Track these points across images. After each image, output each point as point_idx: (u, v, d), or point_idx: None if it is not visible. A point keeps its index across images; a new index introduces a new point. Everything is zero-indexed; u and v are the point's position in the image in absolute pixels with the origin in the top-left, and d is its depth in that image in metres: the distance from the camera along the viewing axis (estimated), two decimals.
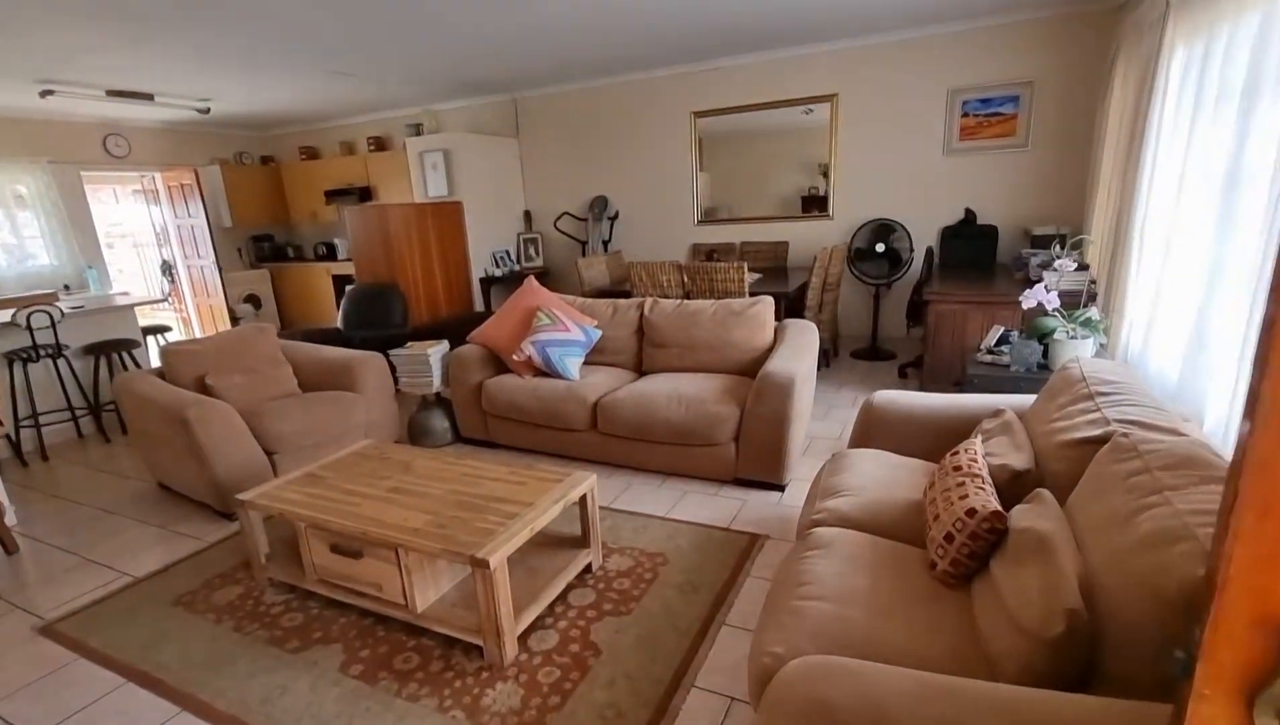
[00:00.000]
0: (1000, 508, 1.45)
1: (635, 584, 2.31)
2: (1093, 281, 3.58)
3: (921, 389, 4.09)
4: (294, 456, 3.17)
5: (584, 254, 6.35)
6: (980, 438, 1.82)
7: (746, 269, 4.16)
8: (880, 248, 5.06)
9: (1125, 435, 1.41)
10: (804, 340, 3.30)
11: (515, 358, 3.52)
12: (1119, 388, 1.76)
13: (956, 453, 1.76)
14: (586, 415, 3.29)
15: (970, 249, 4.95)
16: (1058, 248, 4.00)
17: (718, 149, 5.85)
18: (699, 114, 5.76)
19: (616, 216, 6.30)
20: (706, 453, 3.06)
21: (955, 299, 3.84)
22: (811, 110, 5.44)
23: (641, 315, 3.73)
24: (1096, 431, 1.57)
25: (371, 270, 5.49)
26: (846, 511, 1.87)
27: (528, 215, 6.72)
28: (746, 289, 4.17)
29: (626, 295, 4.67)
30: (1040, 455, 1.74)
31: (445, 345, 3.80)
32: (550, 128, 6.41)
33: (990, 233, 4.92)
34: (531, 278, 3.95)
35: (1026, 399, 2.22)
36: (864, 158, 5.30)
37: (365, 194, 7.12)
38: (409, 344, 3.82)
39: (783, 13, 4.36)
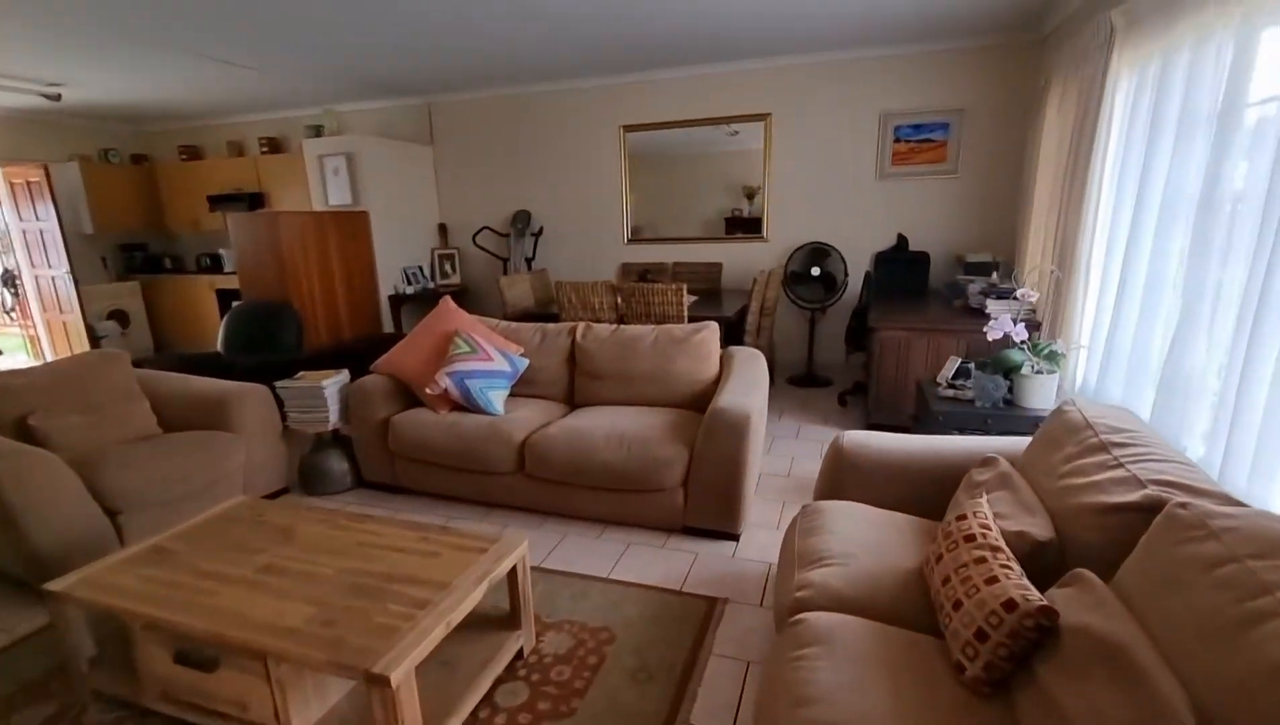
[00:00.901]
0: (1046, 601, 1.18)
1: (577, 672, 1.92)
2: (1032, 309, 3.53)
3: (869, 421, 3.93)
4: (147, 516, 2.57)
5: (506, 272, 5.91)
6: (985, 496, 1.57)
7: (685, 292, 3.88)
8: (815, 271, 4.94)
9: (1183, 505, 1.17)
10: (753, 372, 3.03)
11: (429, 391, 3.05)
12: (1134, 437, 1.56)
13: (964, 517, 1.50)
14: (513, 456, 2.87)
15: (903, 275, 4.90)
16: (1019, 278, 3.96)
17: (642, 168, 5.59)
18: (629, 128, 5.50)
19: (541, 232, 5.90)
20: (652, 499, 2.71)
21: (899, 327, 3.71)
22: (737, 131, 5.30)
23: (573, 342, 3.35)
24: (1133, 496, 1.34)
25: (260, 286, 4.82)
26: (838, 588, 1.56)
27: (443, 229, 6.20)
28: (685, 313, 3.89)
29: (554, 318, 4.28)
30: (1058, 519, 1.50)
31: (344, 375, 3.27)
32: (468, 136, 5.96)
33: (922, 259, 4.90)
34: (448, 298, 3.50)
35: (1010, 443, 2.02)
36: (798, 179, 5.19)
37: (256, 200, 6.36)
38: (301, 373, 3.27)
39: (714, 27, 4.16)
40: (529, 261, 5.87)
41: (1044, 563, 1.42)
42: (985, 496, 1.56)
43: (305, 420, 3.19)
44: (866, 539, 1.78)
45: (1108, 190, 2.97)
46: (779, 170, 5.22)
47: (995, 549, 1.37)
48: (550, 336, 3.42)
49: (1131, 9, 2.77)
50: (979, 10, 3.97)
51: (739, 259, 5.49)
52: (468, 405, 3.05)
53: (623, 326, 3.33)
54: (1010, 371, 2.53)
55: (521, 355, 3.35)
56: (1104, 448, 1.56)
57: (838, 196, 5.12)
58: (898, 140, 4.87)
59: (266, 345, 4.35)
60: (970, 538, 1.42)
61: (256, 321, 4.44)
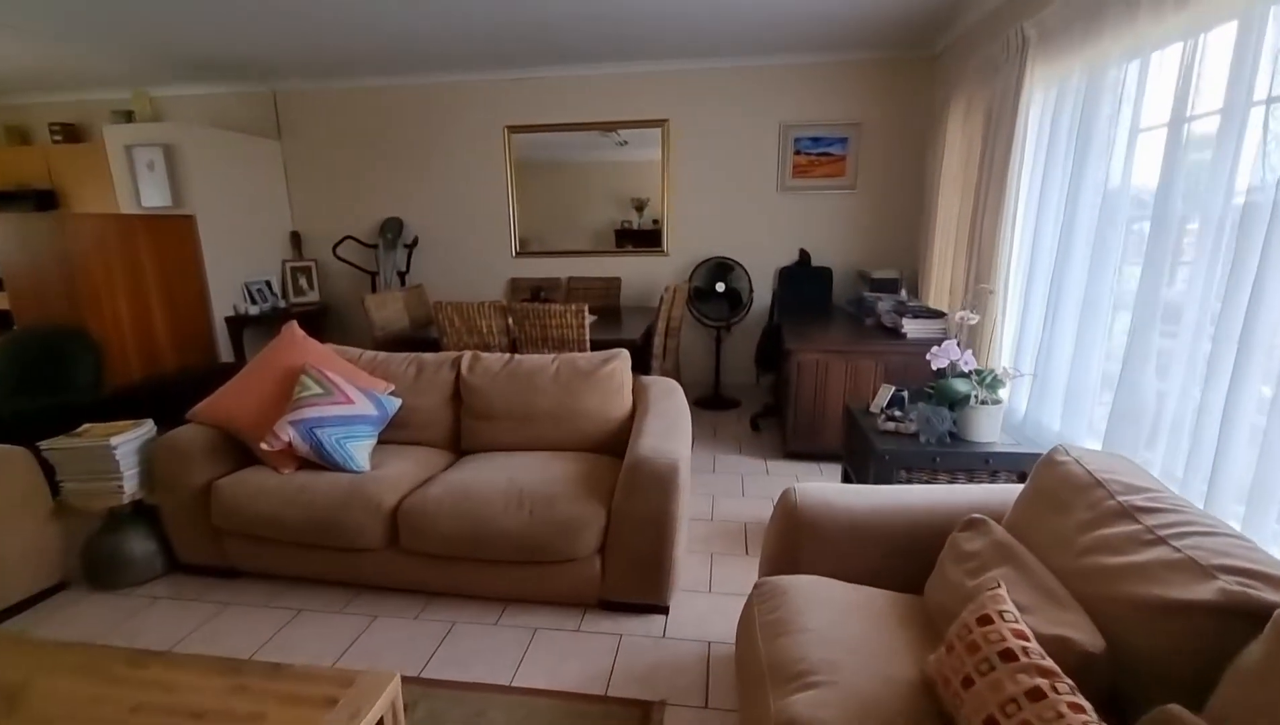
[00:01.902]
0: None
1: None
2: (943, 328, 3.42)
3: (787, 448, 3.67)
4: None
5: (375, 288, 5.15)
6: (1002, 587, 1.24)
7: (586, 312, 3.42)
8: (720, 287, 4.67)
9: None
10: (673, 407, 2.63)
11: (265, 446, 2.37)
12: (1158, 499, 1.30)
13: (988, 618, 1.16)
14: (382, 528, 2.27)
15: (807, 291, 4.75)
16: (903, 292, 3.85)
17: (527, 176, 5.09)
18: (515, 129, 4.97)
19: (415, 243, 5.21)
20: (562, 571, 2.22)
21: (817, 349, 3.48)
22: (626, 141, 4.95)
23: (458, 376, 2.79)
24: (1202, 591, 1.05)
25: (41, 308, 3.79)
26: (830, 722, 1.17)
27: (297, 238, 5.33)
28: (588, 337, 3.43)
29: (433, 344, 3.66)
30: (1095, 614, 1.20)
31: (147, 428, 2.51)
32: (326, 131, 5.15)
33: (825, 275, 4.77)
34: (292, 325, 2.81)
35: (987, 496, 1.74)
36: (698, 190, 4.92)
37: (47, 199, 5.15)
38: (84, 427, 2.46)
39: (611, 23, 3.78)
40: (402, 276, 5.16)
41: (1095, 680, 1.10)
42: (1001, 586, 1.24)
43: (89, 491, 2.39)
44: (848, 636, 1.41)
45: (1027, 207, 2.87)
46: (678, 179, 4.92)
47: (1048, 673, 1.03)
48: (429, 369, 2.84)
49: (1045, 20, 2.68)
50: (869, 24, 3.88)
51: (638, 274, 5.12)
52: (321, 461, 2.41)
53: (518, 356, 2.82)
54: (954, 403, 2.30)
55: (392, 394, 2.74)
56: (1128, 514, 1.29)
57: (739, 209, 4.90)
58: (798, 152, 4.72)
59: (49, 386, 3.38)
60: (1009, 654, 1.08)
61: (34, 355, 3.45)
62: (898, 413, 2.53)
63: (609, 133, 4.97)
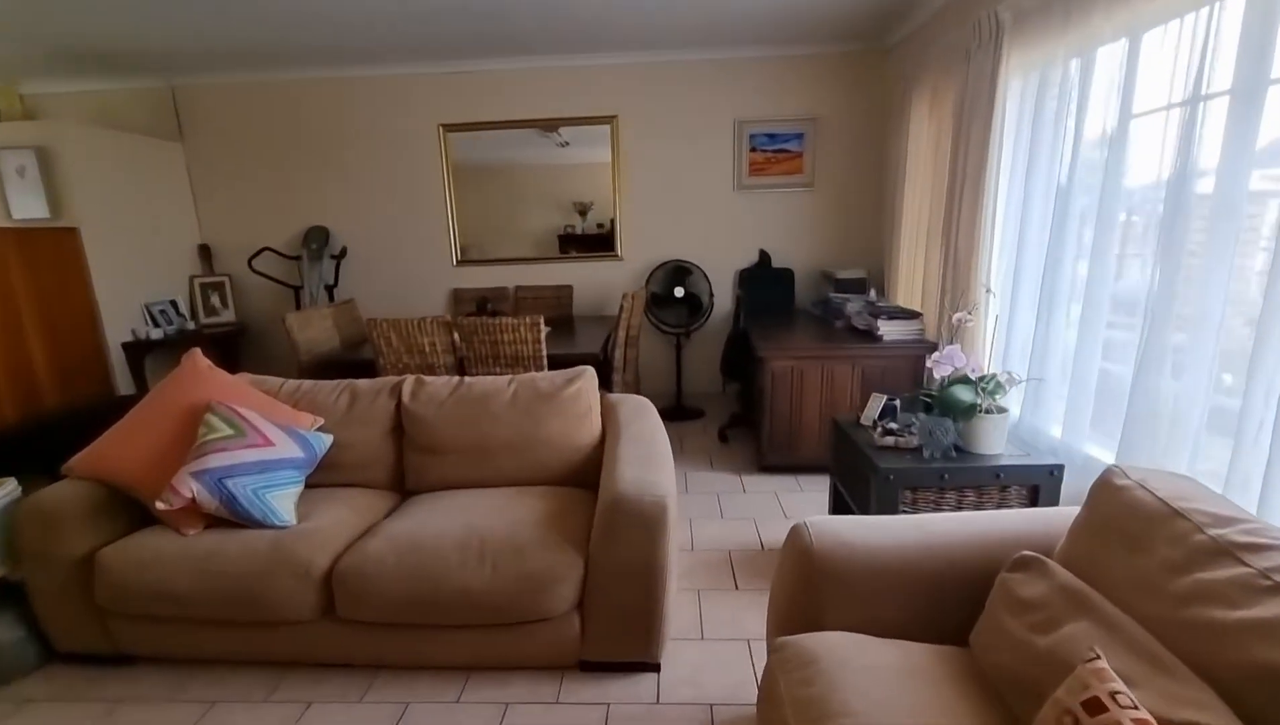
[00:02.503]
0: None
1: None
2: (919, 329, 3.27)
3: (762, 462, 3.44)
4: None
5: (299, 304, 4.66)
6: (1101, 658, 1.01)
7: (541, 321, 3.10)
8: (679, 292, 4.42)
9: None
10: (647, 428, 2.34)
11: (161, 505, 1.95)
12: (1258, 533, 1.10)
13: (1099, 706, 0.93)
14: (313, 595, 1.89)
15: (769, 293, 4.56)
16: (873, 292, 3.70)
17: (465, 180, 4.71)
18: (450, 127, 4.59)
19: (344, 254, 4.74)
20: (534, 633, 1.90)
21: (790, 355, 3.27)
22: (567, 142, 4.66)
23: (399, 404, 2.43)
24: None
25: None
26: None
27: (206, 251, 4.77)
28: (544, 353, 3.11)
29: (369, 368, 3.26)
30: (1214, 683, 0.98)
31: (10, 487, 2.04)
32: (236, 131, 4.63)
33: (787, 276, 4.60)
34: (195, 353, 2.38)
35: (1023, 524, 1.53)
36: (651, 190, 4.66)
37: None
38: None
39: (544, 9, 3.47)
40: (330, 290, 4.69)
41: None
42: (1102, 658, 1.00)
43: None
44: (895, 708, 1.15)
45: (1009, 199, 2.73)
46: (630, 179, 4.65)
47: None
48: (364, 398, 2.45)
49: (1020, 2, 2.55)
50: (820, 14, 3.71)
51: (592, 280, 4.82)
52: (234, 517, 2.00)
53: (468, 379, 2.48)
54: (957, 413, 2.11)
55: (321, 430, 2.35)
56: (1228, 553, 1.08)
57: (695, 210, 4.67)
58: (754, 149, 4.53)
59: None
60: None
61: None
62: (892, 425, 2.32)
63: (549, 132, 4.66)
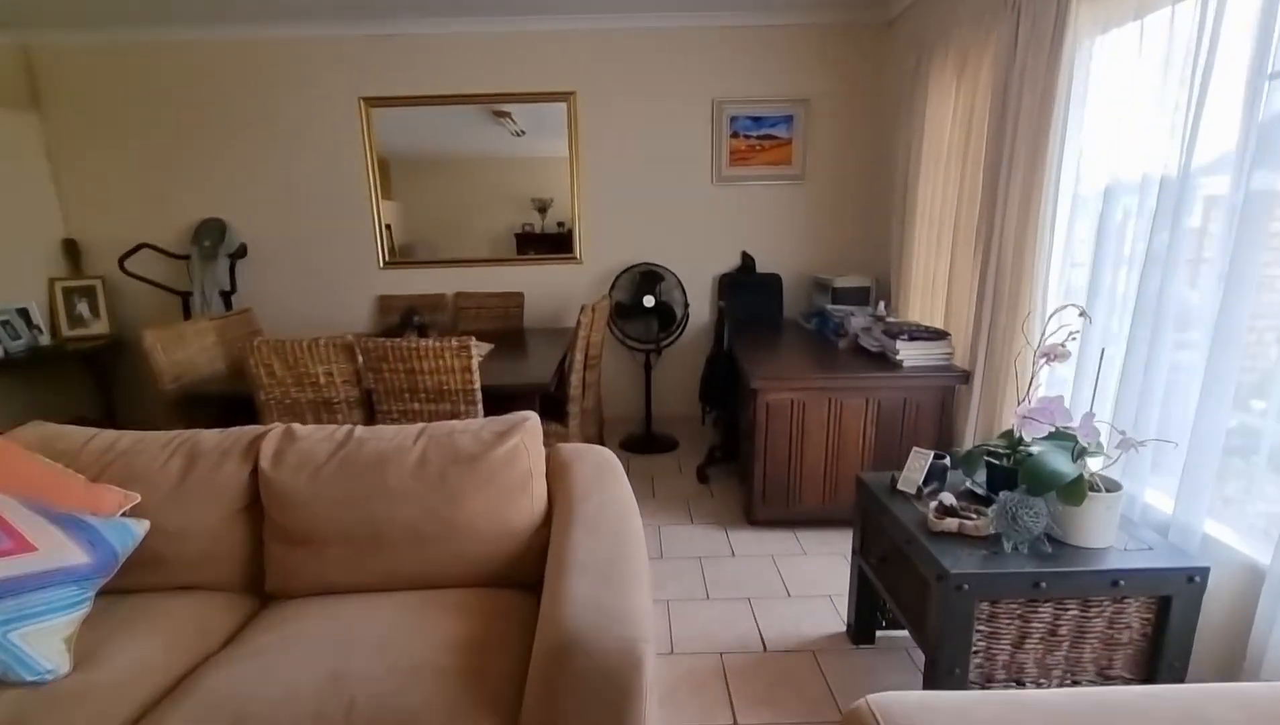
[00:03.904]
0: None
1: None
2: (947, 353, 2.67)
3: (754, 516, 2.79)
4: None
5: (188, 313, 3.83)
6: None
7: (475, 347, 2.38)
8: (649, 301, 3.75)
9: None
10: (612, 506, 1.65)
11: None
12: None
13: None
14: None
15: (753, 303, 3.93)
16: (882, 306, 3.08)
17: (408, 171, 3.97)
18: (372, 101, 3.83)
19: (243, 253, 3.93)
20: None
21: (789, 385, 2.63)
22: (523, 131, 3.96)
23: (255, 469, 1.69)
24: None
25: None
26: None
27: (72, 248, 3.90)
28: (476, 383, 2.40)
29: (250, 410, 2.49)
30: None
31: None
32: (110, 102, 3.78)
33: (773, 283, 3.97)
34: None
35: (1237, 705, 0.90)
36: (617, 181, 3.98)
37: None
38: None
39: None
40: (227, 297, 3.87)
41: None
42: None
43: None
44: None
45: (1080, 188, 2.13)
46: (591, 169, 3.96)
47: None
48: (205, 461, 1.71)
49: None
50: None
51: (546, 286, 4.11)
52: None
53: (358, 432, 1.75)
54: (1057, 490, 1.48)
55: (133, 512, 1.60)
56: None
57: (668, 205, 4.00)
58: (735, 135, 3.89)
59: None
60: None
61: None
62: (948, 498, 1.68)
63: (502, 119, 3.94)
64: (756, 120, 3.87)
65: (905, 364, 2.65)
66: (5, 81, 3.65)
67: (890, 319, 3.05)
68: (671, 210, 4.00)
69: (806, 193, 3.96)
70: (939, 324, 2.94)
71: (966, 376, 2.58)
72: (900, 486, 1.86)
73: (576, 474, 1.81)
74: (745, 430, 2.90)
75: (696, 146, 3.91)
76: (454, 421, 1.80)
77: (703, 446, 3.82)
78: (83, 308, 3.82)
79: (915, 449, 1.88)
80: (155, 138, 3.82)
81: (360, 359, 2.39)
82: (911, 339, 2.65)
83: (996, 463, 1.74)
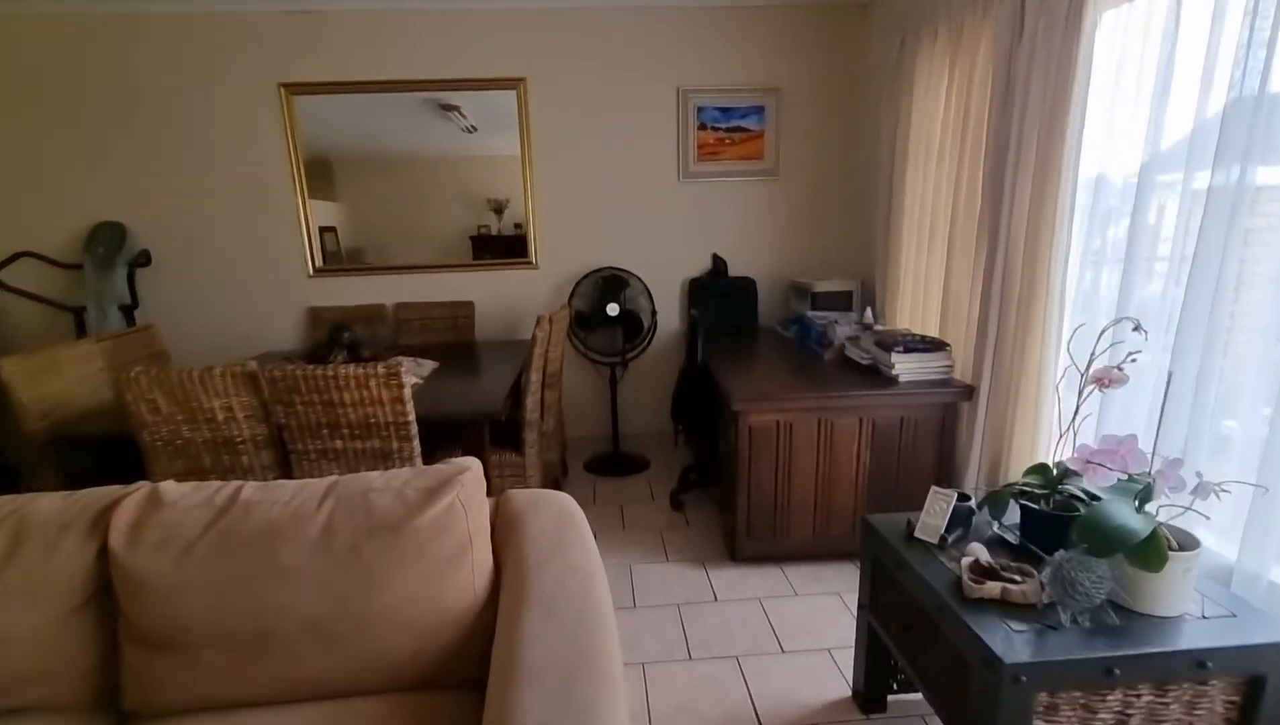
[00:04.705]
0: None
1: None
2: (947, 366, 2.40)
3: (740, 552, 2.48)
4: None
5: (83, 331, 3.32)
6: None
7: (406, 370, 2.00)
8: (613, 310, 3.40)
9: None
10: (573, 575, 1.31)
11: None
12: None
13: None
14: None
15: (726, 309, 3.63)
16: (869, 312, 2.81)
17: (356, 172, 3.54)
18: (293, 88, 3.39)
19: (146, 261, 3.44)
20: None
21: (773, 405, 2.32)
22: (475, 127, 3.58)
23: (104, 549, 1.29)
24: None
25: None
26: None
27: None
28: (411, 419, 2.01)
29: (138, 453, 2.06)
30: None
31: None
32: None
33: (746, 287, 3.68)
34: None
35: None
36: (575, 178, 3.62)
37: None
38: None
39: None
40: (128, 312, 3.37)
41: None
42: None
43: None
44: None
45: (1104, 177, 1.87)
46: (545, 164, 3.59)
47: None
48: (35, 541, 1.30)
49: None
50: None
51: (500, 294, 3.73)
52: None
53: (246, 492, 1.37)
54: (1124, 551, 1.19)
55: None
56: None
57: (631, 204, 3.67)
58: (703, 126, 3.58)
59: None
60: None
61: None
62: (982, 555, 1.39)
63: (450, 113, 3.55)
64: (725, 111, 3.57)
65: (901, 378, 2.38)
66: None
67: (878, 327, 2.77)
68: (635, 209, 3.67)
69: (780, 189, 3.67)
70: (933, 332, 2.68)
71: (970, 392, 2.31)
72: (919, 534, 1.56)
73: (530, 531, 1.46)
74: (725, 455, 2.58)
75: (661, 139, 3.59)
76: (370, 474, 1.42)
77: (676, 468, 3.50)
78: None
79: (935, 490, 1.58)
80: (38, 129, 3.30)
81: (266, 392, 1.98)
82: (907, 351, 2.38)
83: (1033, 507, 1.45)
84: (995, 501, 1.53)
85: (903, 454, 2.39)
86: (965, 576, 1.33)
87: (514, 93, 3.48)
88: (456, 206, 3.65)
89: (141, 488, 1.41)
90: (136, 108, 3.32)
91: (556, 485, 3.20)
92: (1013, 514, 1.56)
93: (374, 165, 3.54)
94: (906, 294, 2.87)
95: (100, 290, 3.29)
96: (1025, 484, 1.52)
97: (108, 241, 3.31)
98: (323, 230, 3.59)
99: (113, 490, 1.42)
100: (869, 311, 2.82)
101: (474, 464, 1.45)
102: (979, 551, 1.41)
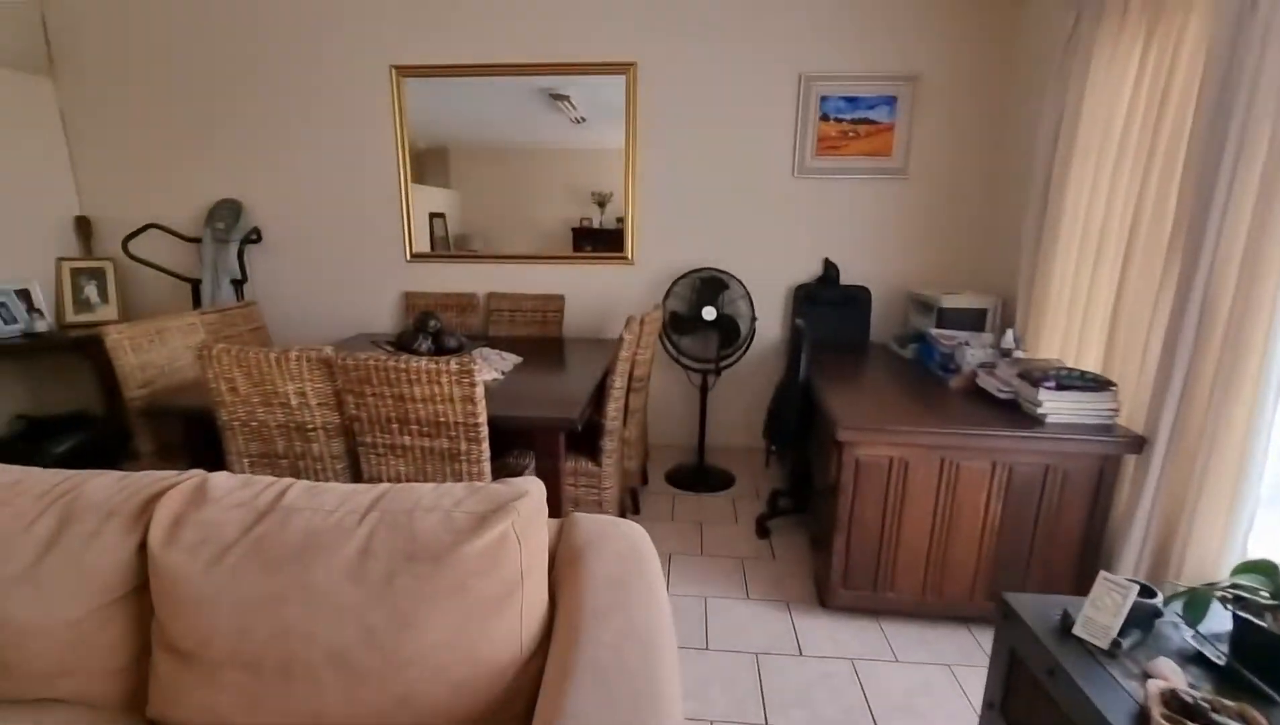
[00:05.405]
0: None
1: None
2: (1111, 409, 1.97)
3: (832, 598, 2.18)
4: None
5: (197, 302, 3.48)
6: None
7: (479, 367, 1.86)
8: (709, 314, 3.15)
9: None
10: (639, 628, 1.10)
11: None
12: None
13: None
14: None
15: (835, 321, 3.29)
16: (1009, 335, 2.40)
17: (471, 160, 3.51)
18: (405, 70, 3.37)
19: (256, 238, 3.56)
20: None
21: (886, 437, 1.99)
22: (584, 119, 3.43)
23: (143, 545, 1.20)
24: None
25: None
26: None
27: (85, 226, 3.62)
28: (481, 421, 1.87)
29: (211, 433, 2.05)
30: None
31: None
32: (122, 65, 3.46)
33: (859, 298, 3.31)
34: None
35: None
36: (679, 170, 3.40)
37: None
38: None
39: None
40: (238, 286, 3.50)
41: None
42: None
43: None
44: None
45: None
46: (650, 153, 3.39)
47: None
48: (80, 525, 1.24)
49: None
50: None
51: (590, 290, 3.57)
52: None
53: (292, 492, 1.25)
54: None
55: None
56: None
57: (738, 200, 3.39)
58: (825, 118, 3.24)
59: None
60: None
61: None
62: (1187, 685, 1.04)
63: (561, 103, 3.44)
64: (852, 101, 3.21)
65: (1049, 420, 1.98)
66: (19, 42, 3.37)
67: (1019, 353, 2.36)
68: (742, 206, 3.39)
69: (908, 190, 3.28)
70: (1090, 366, 2.24)
71: (1139, 443, 1.88)
72: (1081, 632, 1.21)
73: (592, 573, 1.26)
74: (824, 488, 2.28)
75: (776, 130, 3.29)
76: (421, 488, 1.27)
77: (764, 488, 3.22)
78: (91, 291, 3.53)
79: (1104, 577, 1.23)
80: (174, 106, 3.48)
81: (338, 380, 1.90)
82: (1061, 387, 1.97)
83: (1256, 623, 1.08)
84: (1194, 604, 1.17)
85: (1044, 512, 1.99)
86: (1156, 712, 0.99)
87: (623, 78, 3.30)
88: (562, 197, 3.55)
89: (192, 477, 1.33)
90: (257, 89, 3.43)
91: (634, 496, 3.00)
92: (1215, 620, 1.19)
93: (487, 153, 3.51)
94: (1058, 318, 2.42)
95: (216, 264, 3.43)
96: (1239, 586, 1.15)
97: (226, 217, 3.44)
98: (432, 216, 3.59)
99: (165, 477, 1.34)
100: (1009, 334, 2.41)
101: (535, 488, 1.26)
102: (1171, 673, 1.06)
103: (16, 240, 3.33)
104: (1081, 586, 2.01)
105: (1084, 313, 2.29)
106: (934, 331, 2.75)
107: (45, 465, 3.17)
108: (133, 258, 3.32)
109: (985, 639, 2.10)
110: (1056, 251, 2.41)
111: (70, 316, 3.45)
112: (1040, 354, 2.45)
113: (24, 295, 3.28)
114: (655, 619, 1.15)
